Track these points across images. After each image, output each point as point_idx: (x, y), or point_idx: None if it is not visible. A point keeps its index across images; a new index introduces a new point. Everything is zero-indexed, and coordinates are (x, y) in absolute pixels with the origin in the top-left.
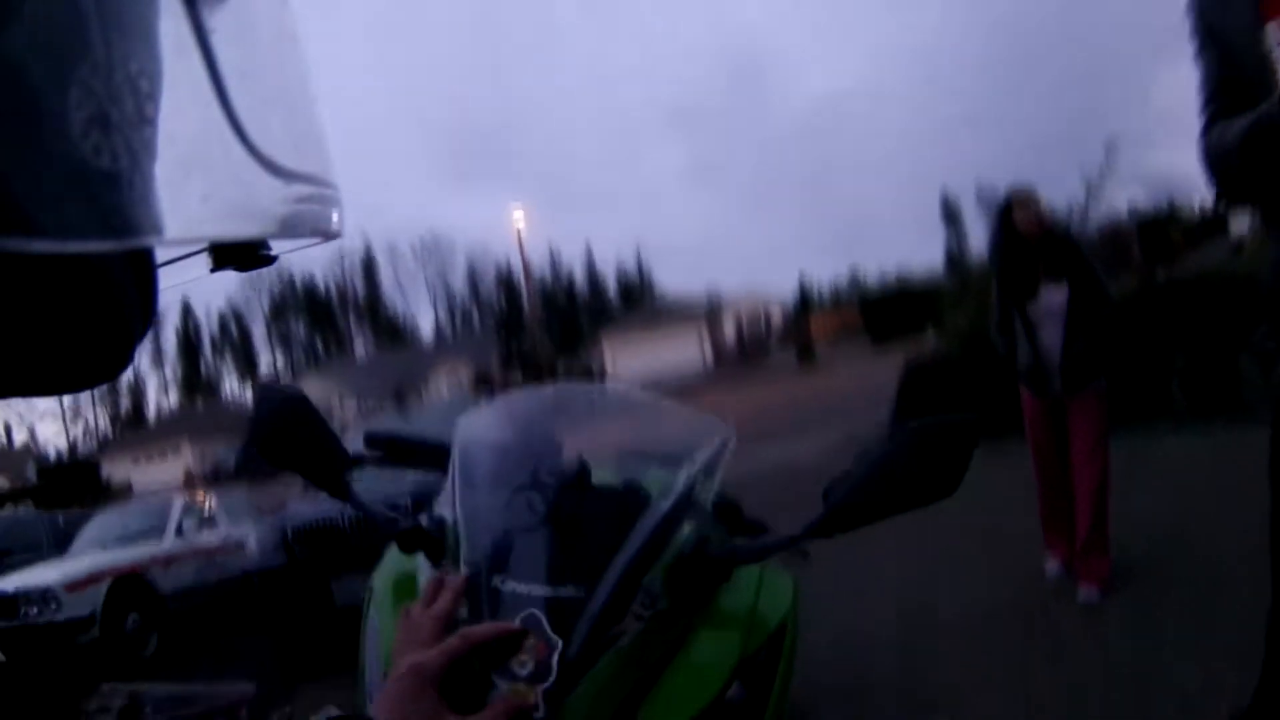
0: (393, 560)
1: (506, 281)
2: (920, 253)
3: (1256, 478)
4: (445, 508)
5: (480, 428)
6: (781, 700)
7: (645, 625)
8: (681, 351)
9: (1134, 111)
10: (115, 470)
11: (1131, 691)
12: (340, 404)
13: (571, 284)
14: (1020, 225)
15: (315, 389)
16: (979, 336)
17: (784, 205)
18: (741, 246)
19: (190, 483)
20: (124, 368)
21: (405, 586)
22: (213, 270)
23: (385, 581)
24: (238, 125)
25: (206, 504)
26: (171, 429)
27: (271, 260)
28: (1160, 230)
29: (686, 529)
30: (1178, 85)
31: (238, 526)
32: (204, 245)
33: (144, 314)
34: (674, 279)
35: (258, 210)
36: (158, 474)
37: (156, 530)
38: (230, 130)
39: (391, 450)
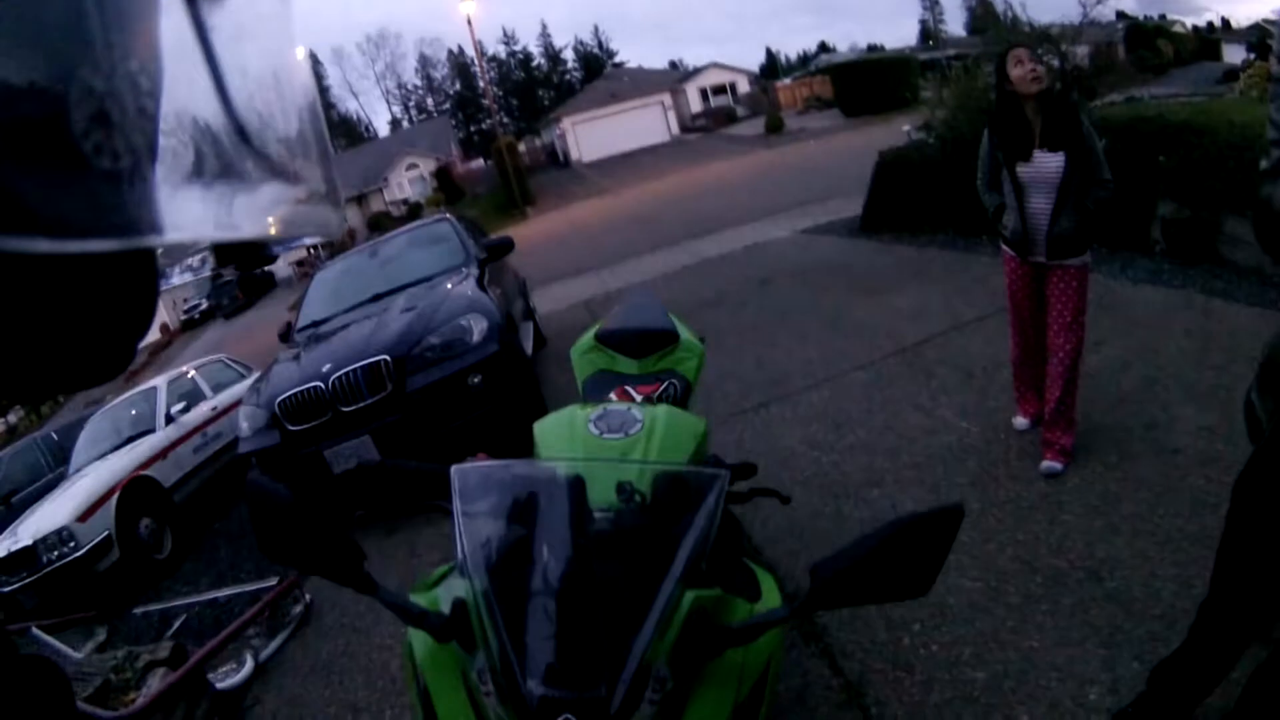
0: (426, 640)
1: (460, 67)
2: (894, 30)
3: (1228, 342)
4: (460, 586)
5: (480, 489)
6: None
7: (656, 708)
8: (646, 125)
9: None
10: None
11: (1081, 566)
12: None
13: (528, 62)
14: (1015, 82)
15: None
16: (958, 139)
17: None
18: (706, 20)
19: (167, 333)
20: (125, 367)
21: (447, 668)
22: (214, 270)
23: (428, 662)
24: (238, 124)
25: (188, 379)
26: None
27: (272, 260)
28: (1148, 39)
29: (687, 601)
30: None
31: (221, 394)
32: (205, 245)
33: (144, 314)
34: (638, 54)
35: (259, 210)
36: None
37: (146, 422)
38: (231, 129)
39: (383, 476)
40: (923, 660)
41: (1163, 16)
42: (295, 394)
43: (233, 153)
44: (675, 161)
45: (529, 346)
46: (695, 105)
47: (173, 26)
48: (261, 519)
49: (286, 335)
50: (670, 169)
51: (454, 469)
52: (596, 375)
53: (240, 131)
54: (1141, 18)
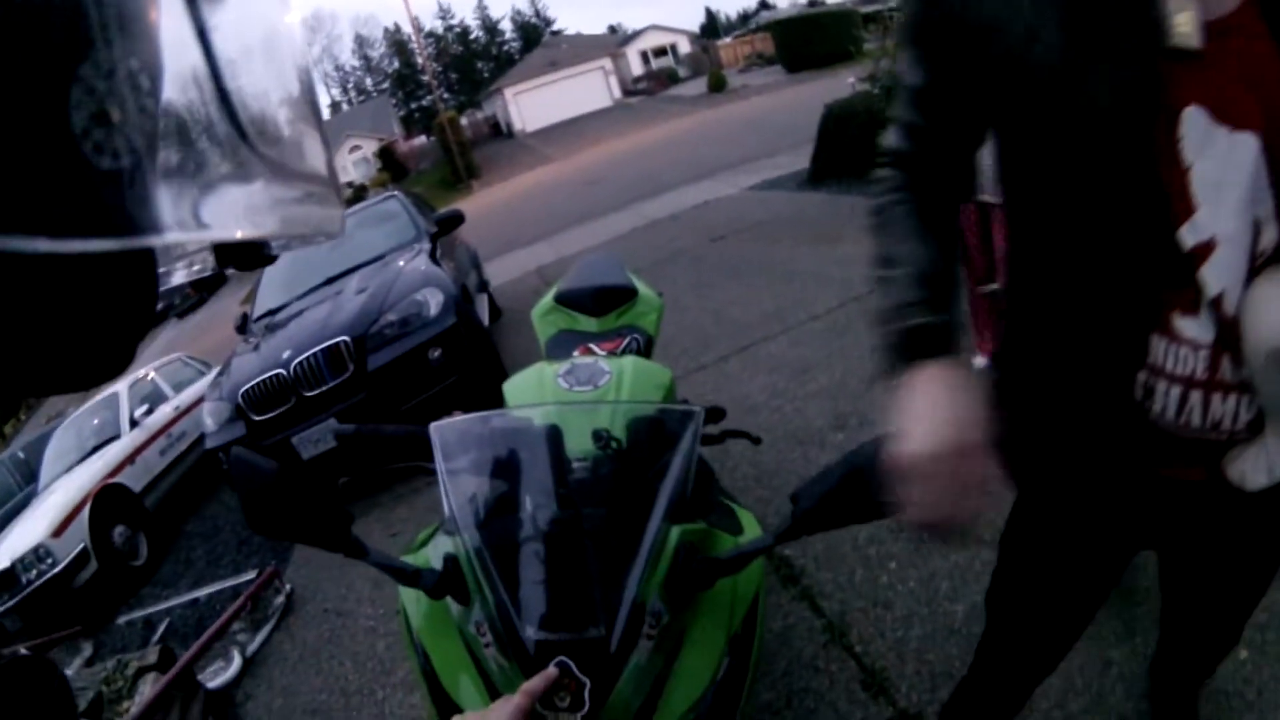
0: (420, 599)
1: (398, 44)
2: None
3: None
4: (448, 543)
5: (459, 445)
6: (759, 661)
7: (654, 642)
8: (587, 91)
9: None
10: None
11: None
12: None
13: (466, 35)
14: None
15: None
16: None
17: None
18: None
19: None
20: (125, 367)
21: (443, 624)
22: (214, 270)
23: (423, 621)
24: (238, 124)
25: (148, 381)
26: None
27: (273, 259)
28: None
29: (674, 536)
30: None
31: (183, 393)
32: (205, 245)
33: (144, 314)
34: (576, 20)
35: (259, 210)
36: None
37: (110, 428)
38: (231, 129)
39: (361, 443)
40: (901, 596)
41: None
42: (257, 383)
43: (233, 152)
44: (619, 125)
45: (485, 318)
46: (636, 69)
47: (173, 26)
48: (248, 493)
49: (243, 327)
50: (614, 133)
51: (433, 426)
52: (558, 335)
53: (240, 131)
54: None
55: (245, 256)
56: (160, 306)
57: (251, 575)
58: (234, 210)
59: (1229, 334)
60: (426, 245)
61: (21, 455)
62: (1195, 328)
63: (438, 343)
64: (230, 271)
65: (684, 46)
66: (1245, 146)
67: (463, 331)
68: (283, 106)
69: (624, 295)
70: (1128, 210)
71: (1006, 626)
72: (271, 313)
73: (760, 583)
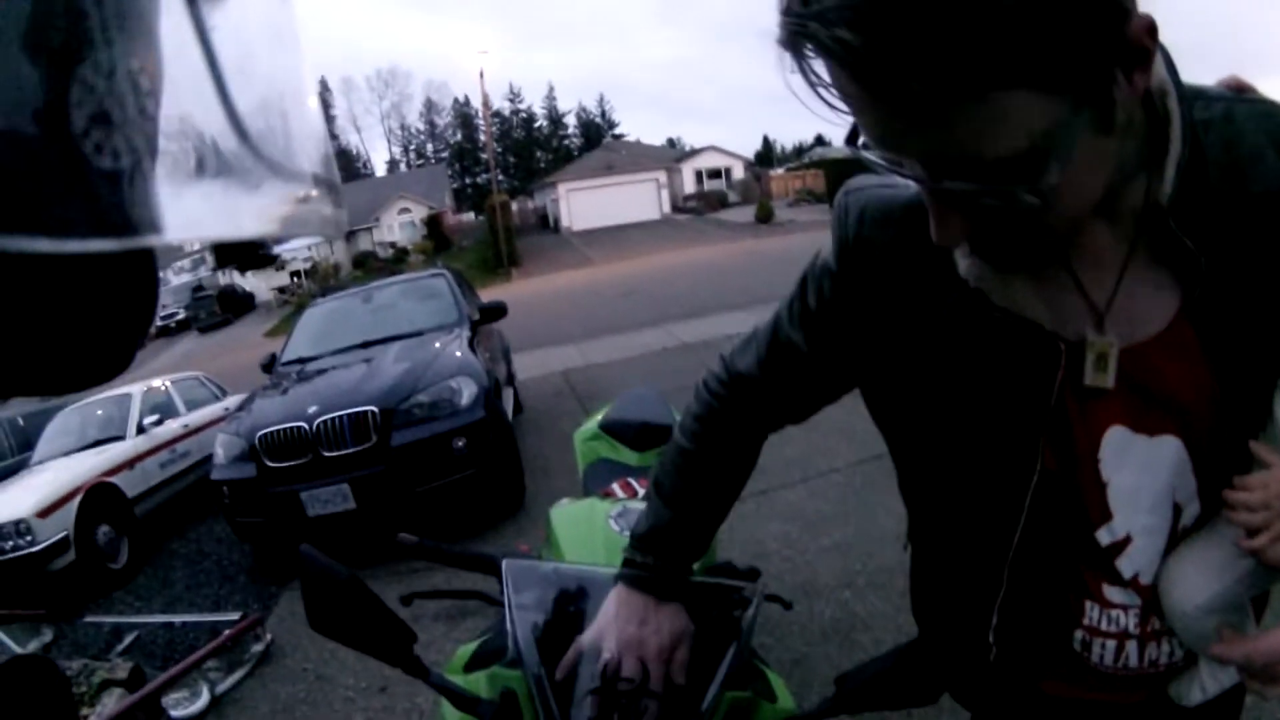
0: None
1: (464, 117)
2: None
3: None
4: (508, 677)
5: (527, 583)
6: None
7: None
8: (638, 200)
9: None
10: None
11: None
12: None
13: (530, 122)
14: None
15: None
16: None
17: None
18: (707, 99)
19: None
20: (124, 368)
21: None
22: (214, 270)
23: None
24: (239, 123)
25: (162, 391)
26: None
27: (273, 260)
28: None
29: (724, 703)
30: None
31: (195, 412)
32: (205, 245)
33: (144, 314)
34: (638, 125)
35: (259, 210)
36: None
37: (116, 427)
38: (232, 129)
39: (421, 555)
40: None
41: None
42: (278, 430)
43: (233, 152)
44: (664, 240)
45: (510, 412)
46: (689, 186)
47: (173, 26)
48: (314, 592)
49: (270, 366)
50: (658, 247)
51: (506, 561)
52: (598, 462)
53: (241, 130)
54: None
55: (245, 256)
56: (184, 316)
57: (233, 615)
58: (234, 210)
59: (1153, 599)
60: (466, 332)
61: (21, 422)
62: (1122, 595)
63: (464, 433)
64: (261, 298)
65: (738, 171)
66: (1165, 449)
67: (489, 427)
68: (284, 106)
69: (666, 433)
70: (1028, 516)
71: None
72: (302, 361)
73: None
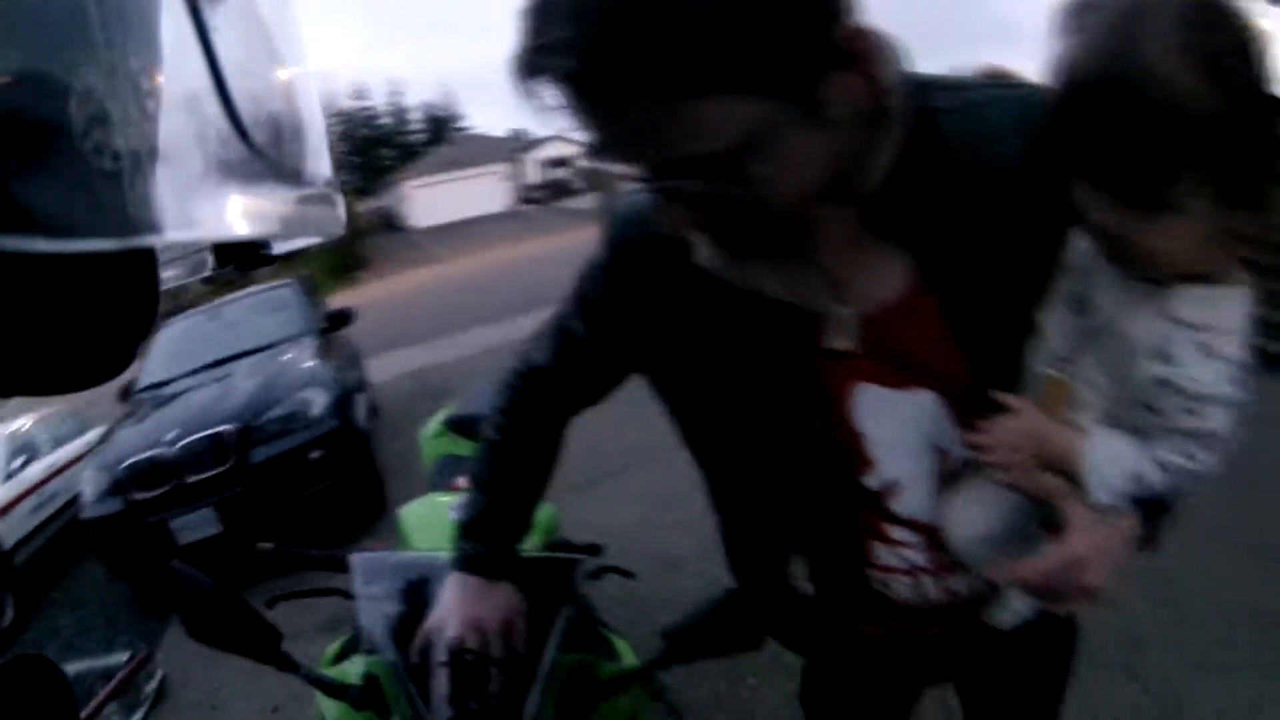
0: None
1: None
2: None
3: None
4: (367, 662)
5: (376, 575)
6: None
7: None
8: (483, 194)
9: None
10: None
11: None
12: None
13: (373, 119)
14: None
15: None
16: None
17: None
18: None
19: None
20: (125, 366)
21: None
22: (215, 269)
23: None
24: (239, 124)
25: (25, 432)
26: None
27: (273, 260)
28: None
29: (563, 666)
30: None
31: (59, 450)
32: (205, 245)
33: (145, 313)
34: (489, 122)
35: (259, 210)
36: None
37: None
38: (231, 129)
39: (281, 559)
40: (763, 709)
41: None
42: (140, 460)
43: (232, 152)
44: (510, 233)
45: (364, 418)
46: (534, 176)
47: (173, 26)
48: (186, 605)
49: (126, 394)
50: (504, 240)
51: (352, 557)
52: (445, 459)
53: (240, 131)
54: None
55: (245, 256)
56: None
57: (122, 656)
58: (234, 210)
59: (933, 533)
60: (314, 341)
61: None
62: (904, 534)
63: (319, 444)
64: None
65: (583, 160)
66: (917, 402)
67: (344, 435)
68: (284, 107)
69: None
70: (801, 470)
71: None
72: (157, 385)
73: (639, 705)
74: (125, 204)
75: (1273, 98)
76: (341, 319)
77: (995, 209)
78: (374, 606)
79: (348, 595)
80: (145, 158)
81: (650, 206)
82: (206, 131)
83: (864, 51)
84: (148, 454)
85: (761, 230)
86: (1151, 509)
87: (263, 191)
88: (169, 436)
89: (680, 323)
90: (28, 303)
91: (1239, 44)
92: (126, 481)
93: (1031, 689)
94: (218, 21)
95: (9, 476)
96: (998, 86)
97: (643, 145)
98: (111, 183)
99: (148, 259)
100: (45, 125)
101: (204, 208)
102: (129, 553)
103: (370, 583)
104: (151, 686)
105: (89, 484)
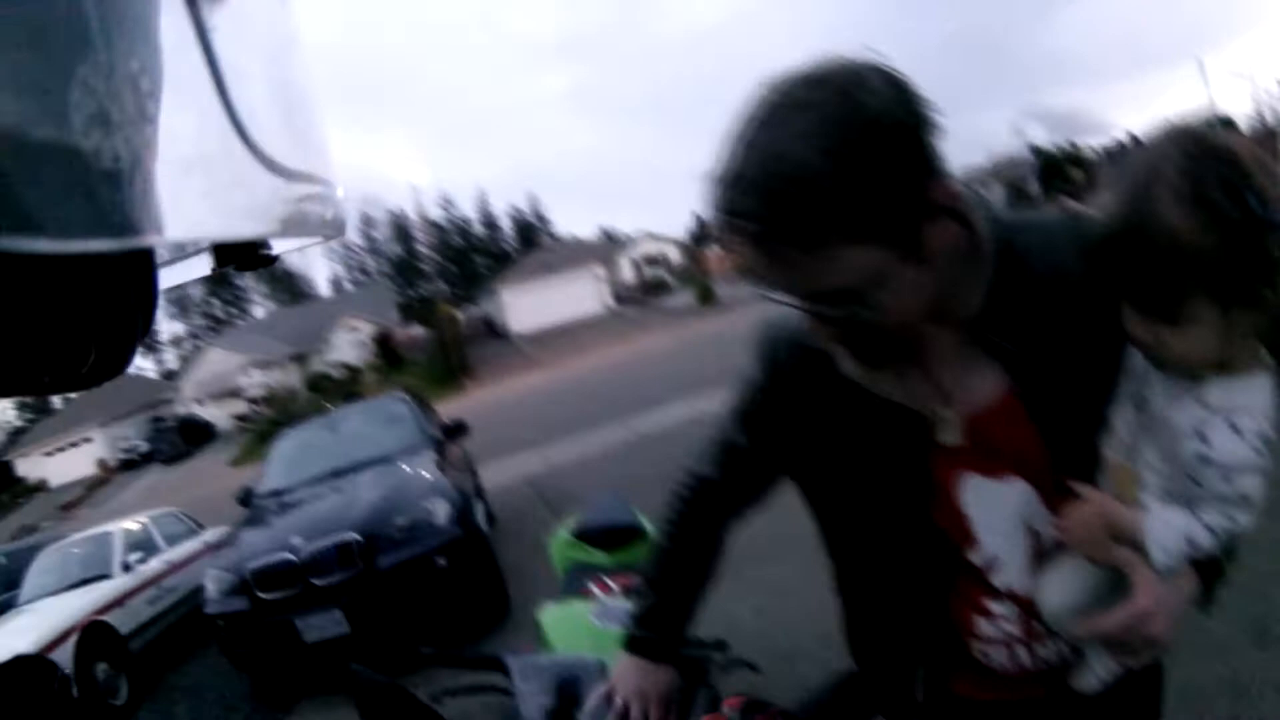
0: None
1: (401, 230)
2: None
3: None
4: None
5: (536, 680)
6: None
7: None
8: (580, 295)
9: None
10: (30, 467)
11: None
12: (246, 370)
13: (466, 229)
14: None
15: (220, 357)
16: None
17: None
18: (635, 182)
19: (105, 470)
20: (125, 367)
21: None
22: (215, 270)
23: None
24: (239, 124)
25: (141, 530)
26: (80, 415)
27: (273, 260)
28: (1059, 170)
29: None
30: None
31: (175, 547)
32: (205, 245)
33: (144, 314)
34: (567, 216)
35: (259, 210)
36: (70, 466)
37: (100, 566)
38: (231, 129)
39: (437, 662)
40: None
41: (1072, 144)
42: (267, 563)
43: (232, 152)
44: (610, 334)
45: (484, 525)
46: (628, 275)
47: (173, 26)
48: (365, 702)
49: (247, 500)
50: (605, 341)
51: (510, 659)
52: (574, 567)
53: (241, 131)
54: (1053, 148)
55: (245, 256)
56: (146, 449)
57: None
58: (234, 210)
59: (1027, 605)
60: (432, 452)
61: (3, 560)
62: (1002, 608)
63: (444, 551)
64: (221, 427)
65: (673, 254)
66: (1013, 490)
67: (467, 543)
68: (284, 107)
69: (633, 534)
70: (917, 547)
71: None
72: (277, 493)
73: None
74: (125, 204)
75: (1265, 219)
76: (457, 430)
77: (1068, 320)
78: (533, 700)
79: (505, 692)
80: (145, 158)
81: (798, 330)
82: (206, 132)
83: (956, 202)
84: (274, 557)
85: (884, 345)
86: (1205, 570)
87: (263, 192)
88: (294, 541)
89: (823, 423)
90: (27, 303)
91: (1232, 184)
92: (253, 582)
93: None
94: (218, 21)
95: (127, 568)
96: (1069, 220)
97: (794, 279)
98: (111, 183)
99: (147, 259)
100: (45, 126)
101: (204, 208)
102: (252, 648)
103: (526, 680)
104: None
105: (213, 581)
